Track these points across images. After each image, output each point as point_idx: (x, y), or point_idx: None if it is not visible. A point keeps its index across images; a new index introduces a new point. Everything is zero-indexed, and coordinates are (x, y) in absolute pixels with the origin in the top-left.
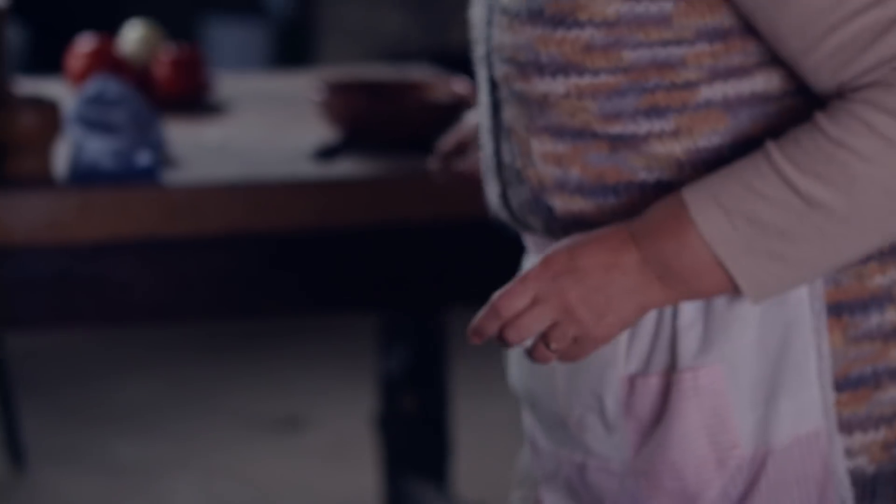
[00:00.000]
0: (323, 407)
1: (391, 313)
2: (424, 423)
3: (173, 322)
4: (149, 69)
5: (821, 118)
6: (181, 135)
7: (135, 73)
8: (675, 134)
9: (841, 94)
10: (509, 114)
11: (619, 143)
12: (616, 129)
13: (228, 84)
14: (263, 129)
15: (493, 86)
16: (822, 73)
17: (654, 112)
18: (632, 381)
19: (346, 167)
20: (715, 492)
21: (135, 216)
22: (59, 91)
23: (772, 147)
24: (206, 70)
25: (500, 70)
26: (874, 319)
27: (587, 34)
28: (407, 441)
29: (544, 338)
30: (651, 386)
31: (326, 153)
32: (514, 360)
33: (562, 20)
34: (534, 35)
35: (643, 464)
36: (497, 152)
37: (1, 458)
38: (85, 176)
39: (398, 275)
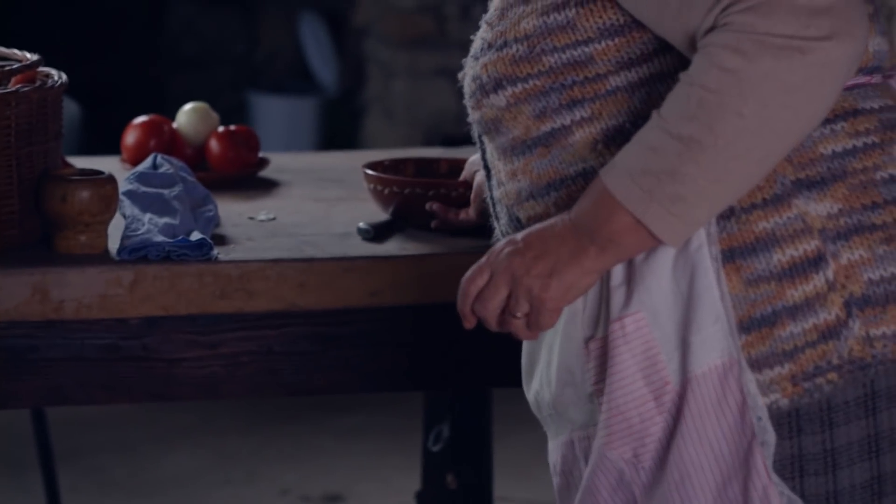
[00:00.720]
0: (365, 483)
1: (436, 391)
2: (466, 500)
3: (223, 398)
4: (202, 147)
5: (681, 72)
6: (233, 212)
7: (188, 151)
8: (591, 119)
9: (696, 49)
10: (488, 152)
11: (552, 141)
12: (548, 125)
13: (280, 162)
14: (314, 207)
15: (480, 136)
16: (677, 34)
17: (573, 104)
18: (587, 346)
19: (395, 246)
20: (658, 428)
21: (186, 292)
22: (114, 168)
23: (655, 111)
24: (259, 148)
25: (468, 109)
26: (763, 261)
27: (513, 50)
28: None
29: (510, 312)
30: (598, 346)
31: (376, 232)
32: (528, 375)
33: (494, 44)
34: (478, 66)
35: (602, 416)
36: (491, 193)
37: None
38: (137, 252)
39: (445, 354)
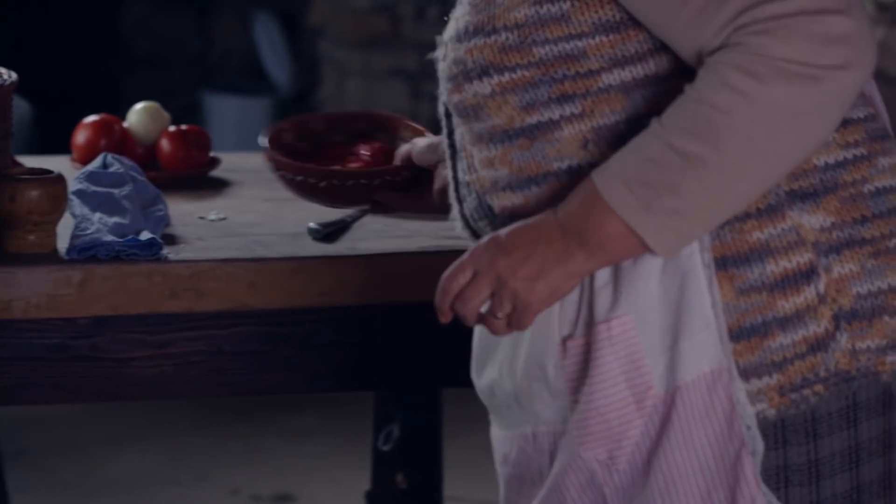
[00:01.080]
0: (316, 483)
1: (386, 391)
2: (416, 500)
3: (172, 398)
4: (153, 147)
5: (688, 86)
6: (184, 211)
7: (139, 151)
8: (581, 116)
9: (702, 63)
10: (458, 134)
11: (537, 133)
12: (534, 118)
13: (231, 162)
14: (265, 206)
15: (448, 115)
16: (685, 42)
17: (563, 99)
18: (565, 345)
19: (345, 246)
20: (637, 431)
21: (135, 292)
22: (64, 168)
23: (654, 119)
24: (210, 148)
25: (444, 92)
26: (756, 271)
27: (502, 38)
28: None
29: (492, 311)
30: (579, 346)
31: (327, 232)
32: (478, 358)
33: (482, 29)
34: (461, 49)
35: (577, 415)
36: (454, 173)
37: None
38: (86, 251)
39: (395, 354)
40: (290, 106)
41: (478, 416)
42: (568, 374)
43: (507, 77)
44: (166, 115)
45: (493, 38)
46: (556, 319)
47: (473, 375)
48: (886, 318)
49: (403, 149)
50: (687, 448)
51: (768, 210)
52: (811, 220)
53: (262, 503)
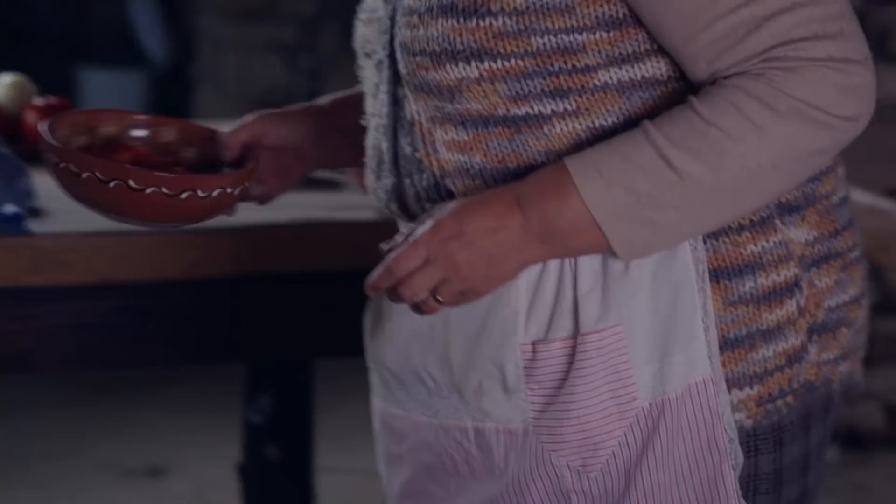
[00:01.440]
0: (188, 455)
1: (257, 362)
2: (287, 471)
3: (37, 373)
4: (18, 119)
5: (695, 100)
6: (50, 185)
7: (4, 124)
8: (575, 114)
9: (714, 81)
10: (412, 107)
11: (522, 125)
12: (523, 109)
13: None
14: None
15: (394, 84)
16: (698, 62)
17: (557, 93)
18: (534, 347)
19: (215, 219)
20: (615, 441)
21: None
22: None
23: (648, 124)
24: None
25: (409, 64)
26: (748, 284)
27: (499, 22)
28: (269, 490)
29: (434, 293)
30: (554, 350)
31: None
32: (393, 341)
33: (475, 10)
34: (447, 26)
35: (548, 421)
36: (394, 146)
37: None
38: None
39: (265, 325)
40: (167, 80)
41: (351, 387)
42: (535, 377)
43: (498, 64)
44: (32, 88)
45: (487, 20)
46: (522, 320)
47: (387, 354)
48: (844, 329)
49: (234, 134)
50: (669, 460)
51: (761, 222)
52: (798, 234)
53: (135, 476)
